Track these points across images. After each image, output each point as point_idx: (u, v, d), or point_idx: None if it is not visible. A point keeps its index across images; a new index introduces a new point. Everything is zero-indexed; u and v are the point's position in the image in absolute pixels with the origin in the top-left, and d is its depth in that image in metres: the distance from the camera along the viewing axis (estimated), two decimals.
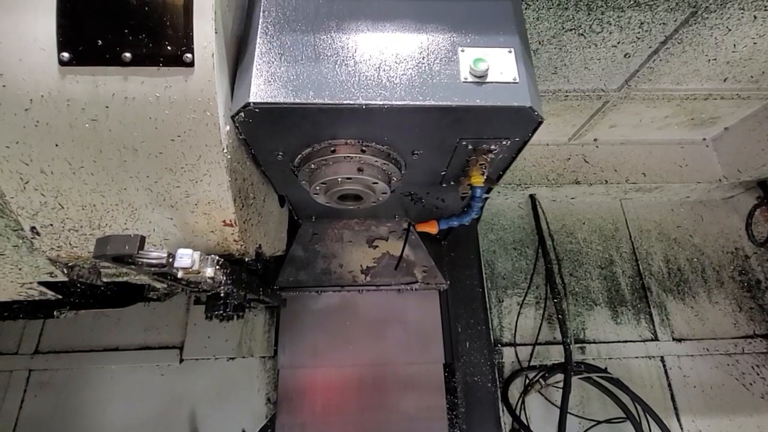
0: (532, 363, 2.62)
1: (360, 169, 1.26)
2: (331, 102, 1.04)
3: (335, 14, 1.13)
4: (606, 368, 2.56)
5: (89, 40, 0.95)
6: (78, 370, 2.47)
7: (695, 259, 3.05)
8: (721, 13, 1.78)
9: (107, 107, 0.98)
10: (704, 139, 3.06)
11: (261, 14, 1.12)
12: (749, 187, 3.06)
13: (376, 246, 2.15)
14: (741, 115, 2.77)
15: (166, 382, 2.46)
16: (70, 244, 1.20)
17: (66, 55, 0.94)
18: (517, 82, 1.09)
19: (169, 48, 0.96)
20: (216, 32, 0.99)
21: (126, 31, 0.95)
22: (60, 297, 1.46)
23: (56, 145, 1.02)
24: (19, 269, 1.27)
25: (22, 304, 1.63)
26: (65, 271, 1.27)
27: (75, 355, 2.50)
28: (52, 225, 1.15)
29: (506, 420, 2.48)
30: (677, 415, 2.60)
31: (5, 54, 0.93)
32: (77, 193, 1.10)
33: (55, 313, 1.63)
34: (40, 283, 1.34)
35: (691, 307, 2.90)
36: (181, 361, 2.50)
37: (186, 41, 0.96)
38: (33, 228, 1.14)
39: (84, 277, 1.32)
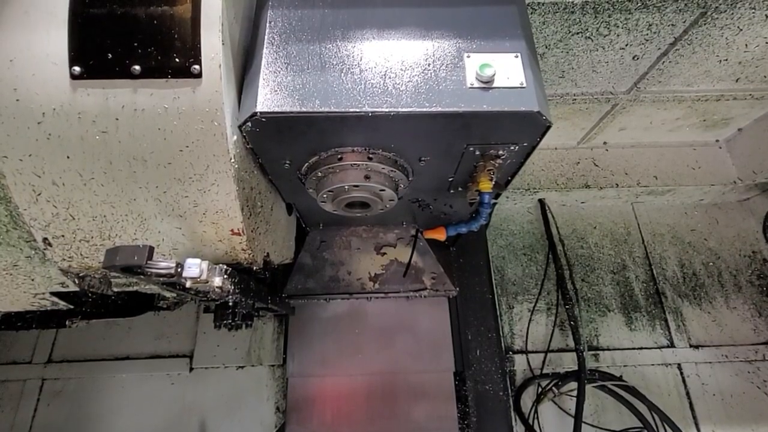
0: (544, 371, 2.57)
1: (367, 177, 1.26)
2: (337, 110, 1.04)
3: (340, 23, 1.14)
4: (621, 376, 2.50)
5: (99, 54, 0.96)
6: (90, 379, 2.49)
7: (711, 263, 2.98)
8: (732, 13, 1.75)
9: (117, 119, 1.00)
10: (717, 141, 3.00)
11: (267, 25, 1.13)
12: (765, 189, 2.99)
13: (384, 253, 2.14)
14: (755, 116, 2.72)
15: (176, 391, 2.47)
16: (81, 254, 1.21)
17: (77, 68, 0.96)
18: (524, 87, 1.08)
19: (177, 60, 0.97)
20: (223, 43, 1.00)
21: (135, 44, 0.97)
22: (72, 307, 1.48)
23: (68, 157, 1.03)
24: (32, 280, 1.29)
25: (35, 314, 1.66)
26: (76, 282, 1.28)
27: (87, 364, 2.52)
28: (63, 236, 1.16)
29: (519, 429, 2.43)
30: (696, 424, 2.52)
31: (19, 69, 0.95)
32: (88, 204, 1.12)
33: (67, 322, 1.65)
34: (53, 294, 1.36)
35: (708, 312, 2.83)
36: (191, 369, 2.51)
37: (194, 53, 0.97)
38: (45, 239, 1.16)
39: (95, 287, 1.33)
